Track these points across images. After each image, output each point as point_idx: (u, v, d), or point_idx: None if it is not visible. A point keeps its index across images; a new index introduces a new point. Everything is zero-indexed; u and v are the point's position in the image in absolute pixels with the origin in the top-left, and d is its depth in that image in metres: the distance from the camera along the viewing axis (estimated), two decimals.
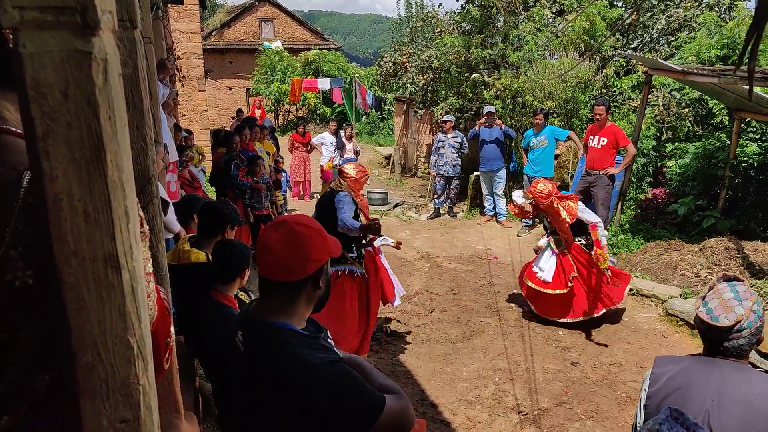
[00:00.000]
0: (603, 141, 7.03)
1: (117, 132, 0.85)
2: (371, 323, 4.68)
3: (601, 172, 7.01)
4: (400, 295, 4.94)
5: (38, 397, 0.95)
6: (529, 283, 5.49)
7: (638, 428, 1.95)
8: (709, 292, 1.88)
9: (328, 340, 1.62)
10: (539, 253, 5.59)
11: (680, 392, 1.82)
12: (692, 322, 5.28)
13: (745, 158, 7.38)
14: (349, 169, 4.55)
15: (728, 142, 7.67)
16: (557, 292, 5.32)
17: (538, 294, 5.48)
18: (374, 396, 1.48)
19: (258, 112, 13.64)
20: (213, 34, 24.52)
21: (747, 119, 7.42)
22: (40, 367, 0.94)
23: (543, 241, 5.64)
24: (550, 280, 5.32)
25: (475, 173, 9.56)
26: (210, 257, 2.81)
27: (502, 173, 8.92)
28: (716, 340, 1.84)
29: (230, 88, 24.95)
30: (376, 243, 4.75)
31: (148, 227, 1.19)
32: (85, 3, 0.77)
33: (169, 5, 7.85)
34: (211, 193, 7.80)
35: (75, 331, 0.84)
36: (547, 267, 5.37)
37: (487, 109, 8.87)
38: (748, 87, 6.01)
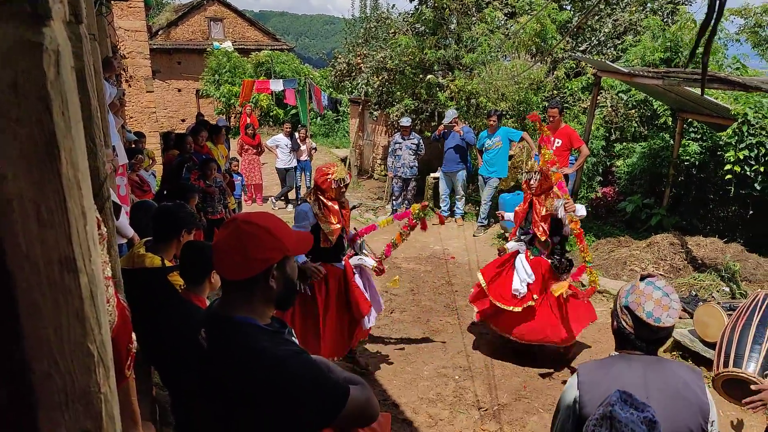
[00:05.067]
0: (558, 142, 7.20)
1: (71, 128, 0.81)
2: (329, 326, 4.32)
3: None
4: (373, 316, 4.47)
5: None
6: (498, 303, 4.68)
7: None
8: (633, 297, 1.86)
9: (293, 338, 1.60)
10: (514, 267, 4.68)
11: None
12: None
13: (687, 157, 7.70)
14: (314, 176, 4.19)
15: (672, 141, 7.99)
16: (514, 309, 4.62)
17: (499, 311, 4.74)
18: (339, 386, 1.50)
19: (249, 120, 12.61)
20: (159, 33, 23.86)
21: (689, 120, 7.75)
22: None
23: (512, 245, 4.82)
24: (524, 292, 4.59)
25: (432, 174, 9.63)
26: (165, 262, 2.73)
27: (461, 174, 9.02)
28: (657, 340, 1.85)
29: (179, 90, 24.35)
30: (352, 261, 4.39)
31: (105, 229, 1.14)
32: None
33: (112, 1, 7.60)
34: None
35: (29, 339, 0.79)
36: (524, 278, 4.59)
37: (448, 113, 8.93)
38: (689, 88, 6.28)
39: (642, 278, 1.91)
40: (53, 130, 0.77)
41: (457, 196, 9.23)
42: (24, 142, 0.77)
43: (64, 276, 0.81)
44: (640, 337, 1.85)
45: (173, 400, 2.84)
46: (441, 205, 9.39)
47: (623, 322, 1.88)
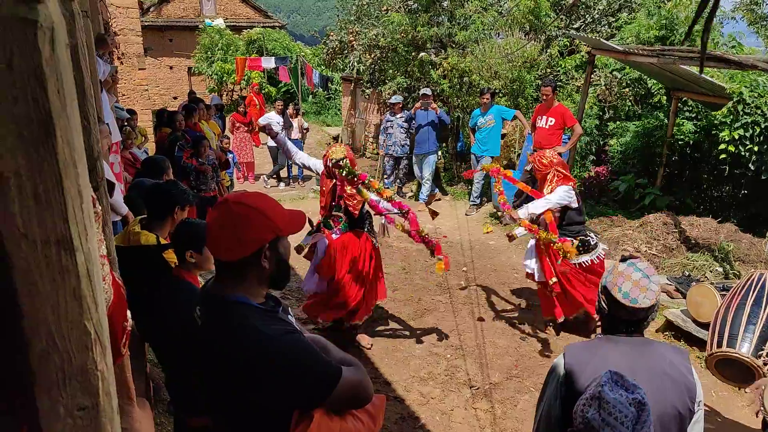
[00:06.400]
0: (551, 121, 7.18)
1: (66, 107, 0.80)
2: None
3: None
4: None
5: None
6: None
7: (552, 415, 1.89)
8: (611, 277, 1.87)
9: (289, 316, 1.61)
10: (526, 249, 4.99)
11: None
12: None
13: (681, 136, 7.71)
14: None
15: (666, 120, 7.99)
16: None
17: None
18: (331, 366, 1.51)
19: (257, 101, 11.99)
20: (151, 10, 23.47)
21: (683, 98, 7.74)
22: None
23: (520, 231, 4.80)
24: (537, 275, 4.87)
25: None
26: (159, 240, 2.73)
27: (432, 158, 8.96)
28: (637, 321, 1.86)
29: (171, 67, 24.02)
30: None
31: (100, 207, 1.14)
32: None
33: None
34: None
35: (28, 318, 0.80)
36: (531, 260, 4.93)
37: (422, 91, 8.87)
38: (685, 66, 6.26)
39: (623, 259, 1.92)
40: (49, 109, 0.77)
41: (423, 179, 9.09)
42: (20, 121, 0.76)
43: (62, 255, 0.81)
44: (616, 317, 1.86)
45: (167, 377, 2.87)
46: (422, 189, 9.32)
47: (602, 302, 1.89)
